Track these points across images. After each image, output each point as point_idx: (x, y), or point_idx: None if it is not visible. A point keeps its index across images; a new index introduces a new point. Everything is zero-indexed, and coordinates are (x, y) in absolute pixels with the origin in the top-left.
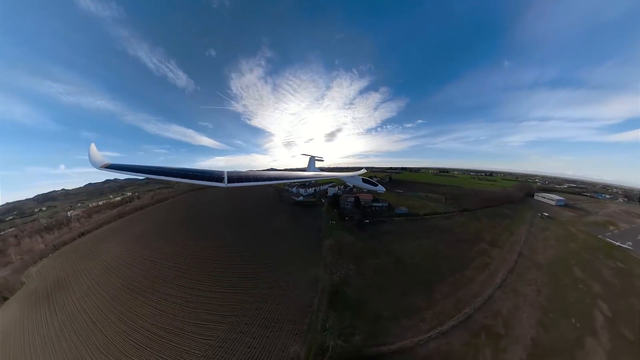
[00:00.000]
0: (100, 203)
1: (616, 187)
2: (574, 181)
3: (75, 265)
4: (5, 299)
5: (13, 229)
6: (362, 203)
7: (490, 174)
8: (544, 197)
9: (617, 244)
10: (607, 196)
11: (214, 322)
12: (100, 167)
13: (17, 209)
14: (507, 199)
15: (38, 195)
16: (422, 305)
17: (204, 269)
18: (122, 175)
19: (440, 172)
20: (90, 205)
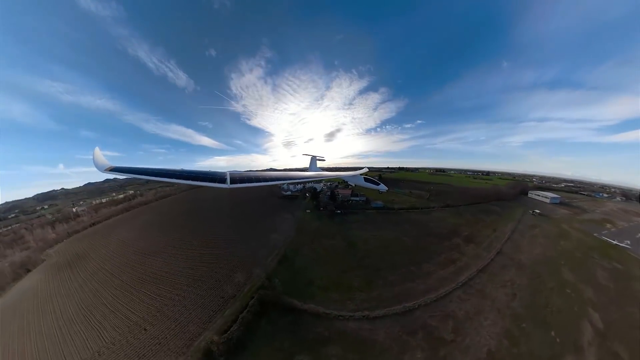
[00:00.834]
0: (104, 201)
1: (614, 187)
2: (572, 181)
3: (92, 243)
4: (29, 270)
5: (19, 224)
6: (341, 197)
7: (488, 173)
8: (539, 195)
9: (615, 242)
10: (605, 195)
11: (199, 261)
12: (105, 170)
13: (18, 207)
14: (497, 196)
15: (37, 194)
16: (358, 287)
17: (201, 240)
18: (122, 175)
19: (437, 171)
20: (94, 202)
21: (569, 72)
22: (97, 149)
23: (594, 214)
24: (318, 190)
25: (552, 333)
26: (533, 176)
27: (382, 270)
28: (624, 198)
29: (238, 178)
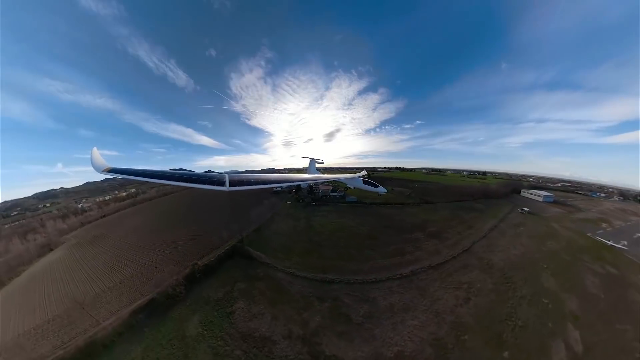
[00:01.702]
0: (107, 198)
1: (612, 188)
2: (570, 181)
3: (108, 228)
4: (51, 250)
5: (25, 220)
6: (321, 192)
7: (484, 173)
8: (531, 194)
9: (610, 243)
10: (602, 195)
11: (199, 231)
12: (103, 170)
13: (19, 206)
14: (485, 194)
15: (36, 193)
16: (298, 253)
17: (202, 220)
18: (120, 176)
19: (433, 171)
20: (98, 200)
21: (568, 73)
22: (94, 149)
23: (589, 213)
24: (303, 187)
25: (505, 354)
26: (530, 176)
27: (324, 247)
28: (621, 198)
29: (237, 181)
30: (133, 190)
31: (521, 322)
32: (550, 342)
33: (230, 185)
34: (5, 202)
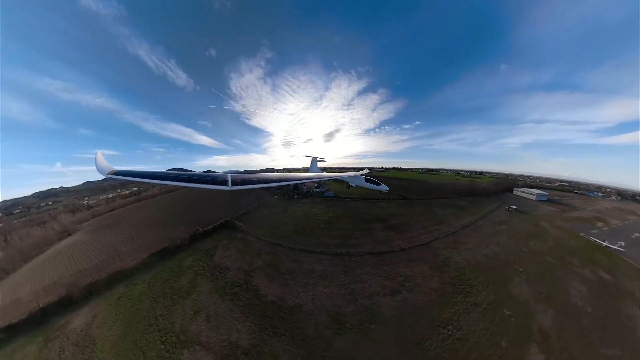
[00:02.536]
0: (110, 196)
1: (610, 188)
2: (568, 182)
3: (120, 217)
4: (70, 234)
5: (32, 217)
6: (305, 188)
7: (481, 173)
8: (524, 192)
9: (605, 244)
10: (600, 194)
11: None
12: (107, 173)
13: (20, 205)
14: (472, 191)
15: (36, 192)
16: (268, 227)
17: (205, 209)
18: (125, 179)
19: (429, 171)
20: (102, 197)
21: (567, 74)
22: (99, 153)
23: (585, 212)
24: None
25: None
26: (528, 176)
27: (286, 225)
28: (619, 197)
29: (239, 180)
30: (135, 188)
31: (460, 333)
32: None
33: (232, 185)
34: (5, 201)
